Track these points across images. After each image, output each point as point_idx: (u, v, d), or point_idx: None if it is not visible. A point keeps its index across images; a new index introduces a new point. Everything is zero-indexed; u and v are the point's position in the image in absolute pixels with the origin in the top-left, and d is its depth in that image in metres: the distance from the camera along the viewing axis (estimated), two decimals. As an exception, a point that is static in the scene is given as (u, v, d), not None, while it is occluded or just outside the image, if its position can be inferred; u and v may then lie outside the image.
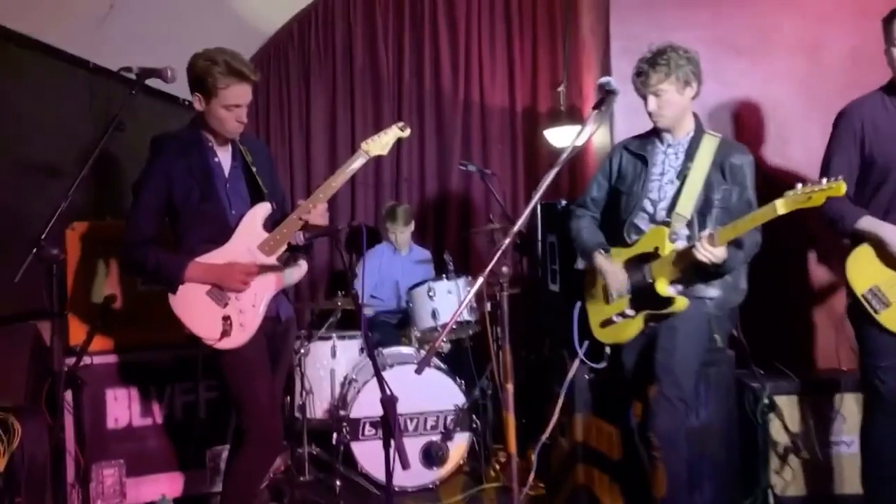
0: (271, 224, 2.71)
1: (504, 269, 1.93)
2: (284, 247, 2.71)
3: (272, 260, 2.66)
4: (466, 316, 3.97)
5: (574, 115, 5.09)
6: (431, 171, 5.40)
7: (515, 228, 2.03)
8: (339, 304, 4.14)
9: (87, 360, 3.24)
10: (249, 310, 2.61)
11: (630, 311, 2.80)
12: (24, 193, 3.42)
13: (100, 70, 4.04)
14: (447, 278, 4.02)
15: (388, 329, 4.53)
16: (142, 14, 4.11)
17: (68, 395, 3.23)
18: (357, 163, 2.70)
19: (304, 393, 3.91)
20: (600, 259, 2.87)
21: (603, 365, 3.02)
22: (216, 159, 2.70)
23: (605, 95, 2.26)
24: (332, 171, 5.05)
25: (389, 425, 2.15)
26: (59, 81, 3.84)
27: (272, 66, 5.43)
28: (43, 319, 3.43)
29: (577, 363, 3.02)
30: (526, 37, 5.41)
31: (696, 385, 2.86)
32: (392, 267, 4.73)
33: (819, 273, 3.76)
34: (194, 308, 2.60)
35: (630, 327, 2.82)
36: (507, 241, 2.01)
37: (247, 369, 2.61)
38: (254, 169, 2.73)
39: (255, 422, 2.60)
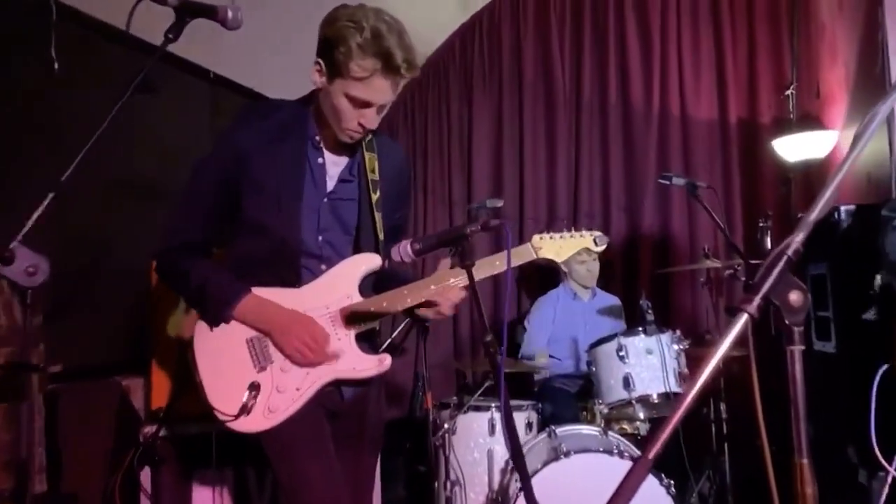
0: (371, 281, 1.90)
1: (793, 297, 0.89)
2: (374, 325, 1.88)
3: (350, 337, 1.82)
4: (674, 387, 2.94)
5: (808, 123, 3.99)
6: (617, 200, 4.41)
7: (812, 217, 0.96)
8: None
9: (169, 429, 2.54)
10: (290, 392, 1.76)
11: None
12: (129, 218, 2.89)
13: (222, 82, 3.50)
14: (645, 332, 3.06)
15: (564, 399, 3.52)
16: (277, 26, 3.53)
17: (145, 475, 2.55)
18: (514, 259, 1.81)
19: (448, 483, 2.95)
20: None
21: None
22: (319, 160, 1.84)
23: None
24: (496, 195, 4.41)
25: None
26: (179, 93, 3.34)
27: (431, 84, 4.75)
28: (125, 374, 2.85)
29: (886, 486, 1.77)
30: (739, 30, 4.37)
31: None
32: (570, 317, 3.79)
33: None
34: (221, 357, 1.80)
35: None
36: (801, 236, 0.95)
37: (296, 454, 1.77)
38: (374, 197, 1.85)
39: None
